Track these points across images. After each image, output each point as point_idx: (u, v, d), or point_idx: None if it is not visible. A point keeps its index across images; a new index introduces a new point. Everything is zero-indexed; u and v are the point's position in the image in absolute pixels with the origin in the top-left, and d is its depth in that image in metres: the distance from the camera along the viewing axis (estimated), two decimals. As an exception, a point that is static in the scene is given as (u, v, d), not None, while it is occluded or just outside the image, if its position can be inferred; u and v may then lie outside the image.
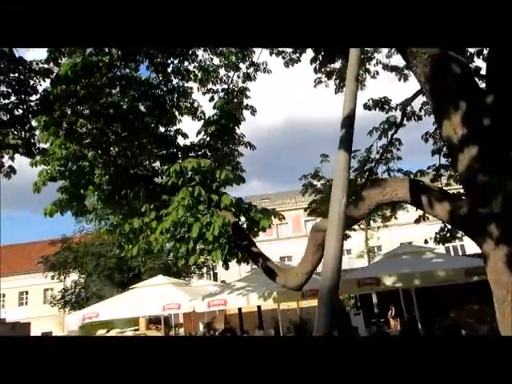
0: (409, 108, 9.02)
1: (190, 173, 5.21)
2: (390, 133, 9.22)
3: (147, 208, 6.12)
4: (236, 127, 6.00)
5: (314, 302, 16.55)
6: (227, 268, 5.20)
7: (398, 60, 9.13)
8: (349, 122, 3.42)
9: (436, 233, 8.70)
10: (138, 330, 19.36)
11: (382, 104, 8.46)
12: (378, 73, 9.42)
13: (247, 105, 8.16)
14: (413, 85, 9.39)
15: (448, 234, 8.78)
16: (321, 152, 10.22)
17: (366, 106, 8.81)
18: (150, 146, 6.97)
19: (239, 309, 15.51)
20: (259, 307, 17.26)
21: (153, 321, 20.08)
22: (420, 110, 8.72)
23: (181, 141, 7.15)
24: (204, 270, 25.71)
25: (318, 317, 3.07)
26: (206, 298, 10.52)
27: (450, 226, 8.92)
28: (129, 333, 17.42)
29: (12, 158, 5.08)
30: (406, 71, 9.31)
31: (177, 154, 6.51)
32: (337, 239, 3.31)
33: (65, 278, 25.39)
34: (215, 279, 23.56)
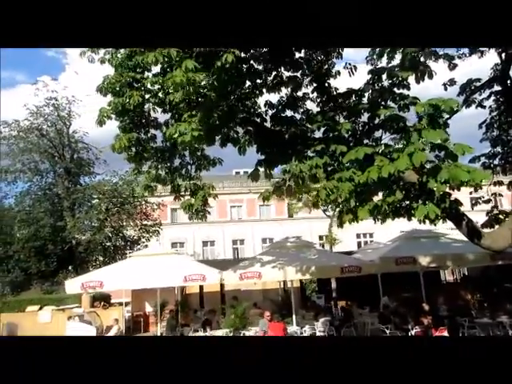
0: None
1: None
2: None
3: (306, 154, 5.31)
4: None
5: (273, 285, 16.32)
6: (436, 223, 4.76)
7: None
8: None
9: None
10: (80, 307, 17.15)
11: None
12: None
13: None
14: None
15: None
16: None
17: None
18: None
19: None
20: (222, 286, 16.43)
21: (97, 298, 17.89)
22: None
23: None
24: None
25: None
26: (238, 269, 9.62)
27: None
28: (76, 310, 15.27)
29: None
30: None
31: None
32: None
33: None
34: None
